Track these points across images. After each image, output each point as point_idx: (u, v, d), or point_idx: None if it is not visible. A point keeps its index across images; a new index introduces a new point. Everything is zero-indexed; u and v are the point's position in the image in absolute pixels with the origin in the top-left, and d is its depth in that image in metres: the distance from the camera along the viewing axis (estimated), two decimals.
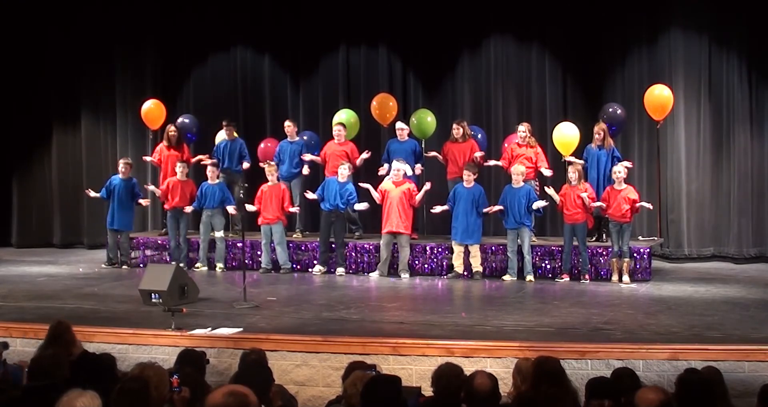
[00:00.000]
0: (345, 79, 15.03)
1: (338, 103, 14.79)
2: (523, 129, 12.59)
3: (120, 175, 13.55)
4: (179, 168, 13.37)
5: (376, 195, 12.52)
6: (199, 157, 13.89)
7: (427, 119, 13.47)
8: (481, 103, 14.53)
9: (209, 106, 15.32)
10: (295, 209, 12.98)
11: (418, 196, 12.39)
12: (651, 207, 12.11)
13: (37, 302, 10.84)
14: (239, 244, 12.90)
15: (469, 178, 12.20)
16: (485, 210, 12.15)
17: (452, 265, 12.35)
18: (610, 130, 12.84)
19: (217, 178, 13.31)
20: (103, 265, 13.65)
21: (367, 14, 14.65)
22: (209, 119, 14.57)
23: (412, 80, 14.83)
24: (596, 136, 12.37)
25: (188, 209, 13.27)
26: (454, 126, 12.85)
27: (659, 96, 12.82)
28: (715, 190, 13.58)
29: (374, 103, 13.73)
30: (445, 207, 12.36)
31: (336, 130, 13.29)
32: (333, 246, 12.77)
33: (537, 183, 12.53)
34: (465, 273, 12.27)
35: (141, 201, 13.63)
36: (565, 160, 12.62)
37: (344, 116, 13.82)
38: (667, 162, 13.55)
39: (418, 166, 12.96)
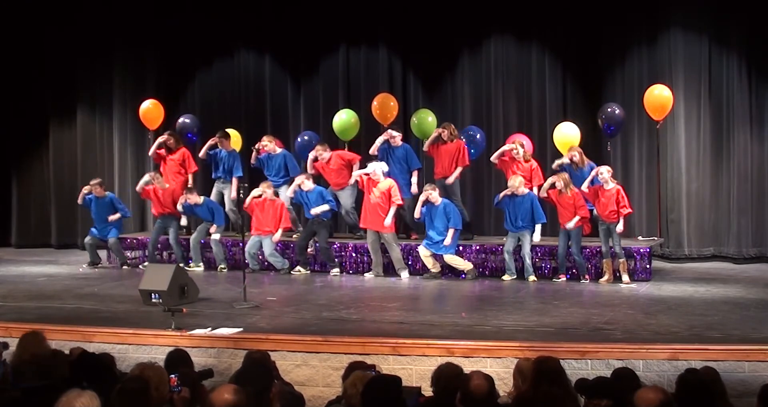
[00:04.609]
0: (345, 80, 15.03)
1: (338, 103, 14.79)
2: (516, 147, 12.49)
3: (95, 195, 13.61)
4: (156, 177, 13.44)
5: (356, 175, 12.61)
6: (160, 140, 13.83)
7: (428, 119, 13.47)
8: (481, 103, 14.52)
9: (210, 106, 15.34)
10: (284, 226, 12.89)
11: (390, 213, 12.29)
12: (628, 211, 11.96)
13: (37, 302, 10.85)
14: (240, 244, 12.90)
15: (433, 197, 12.09)
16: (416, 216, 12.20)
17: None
18: (609, 130, 12.85)
19: (200, 196, 13.23)
20: (84, 266, 13.64)
21: (367, 14, 14.65)
22: (210, 119, 14.58)
23: (412, 80, 14.83)
24: (573, 158, 12.27)
25: (183, 222, 13.42)
26: (441, 129, 12.80)
27: (659, 96, 12.81)
28: (715, 190, 13.57)
29: (375, 103, 13.74)
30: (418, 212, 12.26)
31: (319, 153, 13.14)
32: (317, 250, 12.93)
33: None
34: (446, 271, 12.32)
35: (112, 217, 13.52)
36: (555, 167, 12.55)
37: (344, 116, 13.83)
38: (667, 162, 13.55)
39: (414, 181, 12.88)
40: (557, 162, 12.47)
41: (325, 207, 12.62)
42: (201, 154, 13.76)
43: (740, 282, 11.83)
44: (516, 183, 12.01)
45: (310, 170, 13.22)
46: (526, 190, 12.07)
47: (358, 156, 13.24)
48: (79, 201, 13.80)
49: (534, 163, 12.59)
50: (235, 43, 15.46)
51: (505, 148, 12.60)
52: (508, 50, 14.38)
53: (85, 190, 13.71)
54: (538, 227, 12.07)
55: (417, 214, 12.30)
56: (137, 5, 15.45)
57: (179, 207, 13.22)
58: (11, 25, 15.99)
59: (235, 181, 13.46)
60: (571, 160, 12.30)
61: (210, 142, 13.70)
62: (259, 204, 12.75)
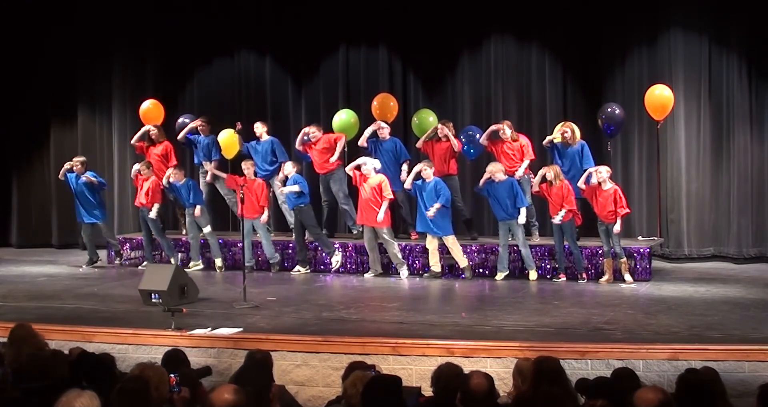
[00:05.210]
0: (345, 79, 15.04)
1: (338, 103, 14.80)
2: (503, 127, 12.56)
3: (75, 172, 13.67)
4: (143, 168, 13.48)
5: (351, 166, 12.63)
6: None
7: (428, 119, 13.47)
8: (481, 103, 14.52)
9: (210, 106, 15.31)
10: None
11: (383, 208, 12.26)
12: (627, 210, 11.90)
13: (37, 302, 10.86)
14: (239, 244, 12.91)
15: (426, 173, 12.19)
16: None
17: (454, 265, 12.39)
18: (609, 130, 12.85)
19: (184, 176, 13.36)
20: (84, 266, 13.66)
21: (367, 14, 14.65)
22: (210, 119, 14.57)
23: (412, 80, 14.83)
24: (565, 135, 12.34)
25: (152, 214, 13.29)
26: (439, 126, 12.86)
27: (660, 96, 12.81)
28: (715, 190, 13.57)
29: (375, 103, 13.75)
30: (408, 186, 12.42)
31: (312, 131, 13.29)
32: (314, 243, 12.94)
33: (532, 176, 12.50)
34: (446, 271, 12.33)
35: (85, 176, 13.60)
36: (545, 144, 12.61)
37: (344, 116, 13.84)
38: (667, 162, 13.55)
39: (405, 169, 12.92)
40: (548, 138, 12.53)
41: (295, 187, 12.61)
42: (180, 136, 13.86)
43: (740, 282, 11.83)
44: (495, 168, 12.05)
45: (298, 146, 13.32)
46: (505, 177, 12.06)
47: (343, 134, 13.31)
48: (60, 176, 13.86)
49: (523, 141, 12.62)
50: (235, 43, 15.46)
51: (493, 128, 12.66)
52: (508, 50, 14.37)
53: (67, 166, 13.77)
54: (522, 210, 12.01)
55: (408, 185, 12.38)
56: (137, 5, 15.45)
57: (164, 182, 13.23)
58: (11, 25, 15.99)
59: (213, 163, 13.68)
60: (563, 135, 12.33)
61: (191, 125, 13.81)
62: (246, 188, 12.55)
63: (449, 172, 12.83)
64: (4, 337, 8.56)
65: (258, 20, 15.18)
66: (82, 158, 13.90)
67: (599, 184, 11.73)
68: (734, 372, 7.68)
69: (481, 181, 12.19)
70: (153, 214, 13.20)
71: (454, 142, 12.73)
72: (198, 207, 13.06)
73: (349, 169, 12.69)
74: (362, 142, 13.06)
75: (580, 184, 11.87)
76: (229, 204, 13.90)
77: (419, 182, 12.29)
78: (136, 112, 14.87)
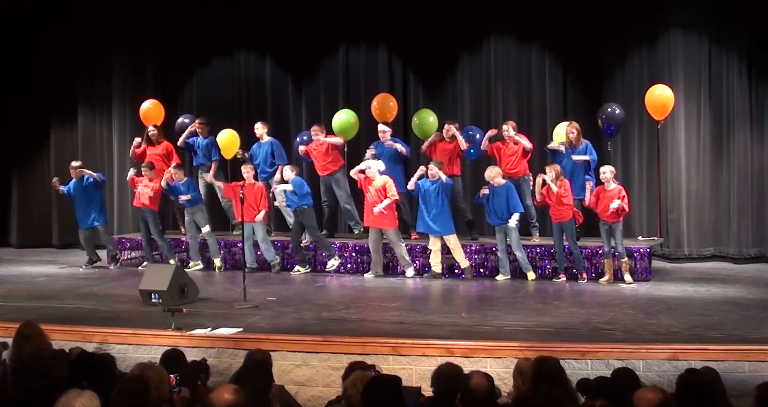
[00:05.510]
0: (345, 79, 15.04)
1: (338, 103, 14.80)
2: (507, 128, 12.58)
3: (74, 178, 13.64)
4: (146, 169, 13.46)
5: (355, 170, 12.62)
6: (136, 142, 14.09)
7: (429, 119, 13.47)
8: (481, 103, 14.53)
9: (210, 106, 15.31)
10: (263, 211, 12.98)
11: (383, 203, 12.26)
12: (625, 208, 11.78)
13: (37, 302, 10.86)
14: (239, 244, 12.91)
15: (433, 173, 12.17)
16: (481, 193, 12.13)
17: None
18: (609, 130, 12.85)
19: (185, 176, 13.39)
20: (84, 266, 13.67)
21: (367, 14, 14.66)
22: (211, 119, 14.60)
23: (412, 80, 14.83)
24: (570, 135, 12.34)
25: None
26: (446, 126, 12.87)
27: (660, 96, 12.81)
28: (715, 190, 13.57)
29: (375, 103, 13.75)
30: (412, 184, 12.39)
31: (314, 133, 13.31)
32: (312, 245, 12.96)
33: (531, 177, 12.50)
34: (446, 272, 12.32)
35: (85, 169, 13.65)
36: (546, 148, 12.65)
37: (344, 116, 13.83)
38: (667, 162, 13.55)
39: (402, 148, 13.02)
40: (551, 145, 12.53)
41: (288, 186, 12.64)
42: (179, 141, 13.89)
43: (740, 282, 11.82)
44: (492, 173, 12.03)
45: (301, 152, 13.34)
46: (503, 181, 12.05)
47: (342, 137, 13.35)
48: (61, 191, 13.84)
49: (521, 140, 12.58)
50: (235, 43, 15.47)
51: (490, 133, 12.66)
52: (508, 50, 14.37)
53: (57, 183, 13.76)
54: (515, 215, 11.95)
55: (411, 186, 12.36)
56: (137, 5, 15.46)
57: (162, 183, 13.23)
58: (11, 25, 16.00)
59: (212, 165, 13.73)
60: (567, 136, 12.33)
61: (190, 129, 13.85)
62: (245, 190, 12.58)
63: (453, 173, 12.80)
64: (4, 337, 8.60)
65: (258, 20, 15.18)
66: (78, 163, 13.89)
67: (603, 184, 11.72)
68: (734, 372, 7.67)
69: (482, 192, 12.14)
70: (150, 192, 13.16)
71: (462, 141, 12.72)
72: (188, 194, 13.05)
73: (353, 173, 12.67)
74: (367, 157, 13.05)
75: (586, 201, 11.84)
76: (225, 208, 13.88)
77: (421, 181, 12.27)
78: (136, 112, 14.90)
